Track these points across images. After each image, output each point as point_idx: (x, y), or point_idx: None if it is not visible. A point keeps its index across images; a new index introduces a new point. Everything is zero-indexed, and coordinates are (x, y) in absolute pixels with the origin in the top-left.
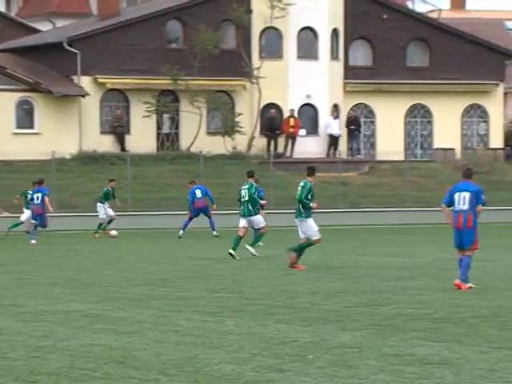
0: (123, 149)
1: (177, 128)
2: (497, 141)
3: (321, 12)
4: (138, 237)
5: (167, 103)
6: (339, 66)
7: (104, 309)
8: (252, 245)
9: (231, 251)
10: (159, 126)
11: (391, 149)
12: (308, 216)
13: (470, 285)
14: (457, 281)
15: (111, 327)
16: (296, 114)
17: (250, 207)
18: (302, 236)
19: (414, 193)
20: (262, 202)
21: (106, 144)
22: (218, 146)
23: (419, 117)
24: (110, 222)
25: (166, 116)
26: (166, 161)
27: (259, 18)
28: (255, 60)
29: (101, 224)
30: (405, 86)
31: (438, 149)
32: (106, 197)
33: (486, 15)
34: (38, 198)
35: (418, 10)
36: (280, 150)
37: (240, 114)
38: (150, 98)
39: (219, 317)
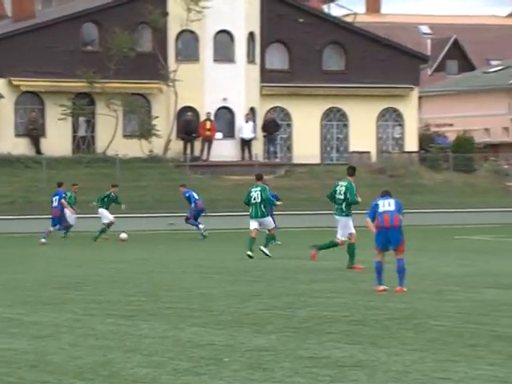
0: (38, 152)
1: (93, 131)
2: (412, 144)
3: (237, 15)
4: (55, 240)
5: (83, 106)
6: (255, 70)
7: (18, 313)
8: (265, 246)
9: (249, 253)
10: (75, 129)
11: (307, 152)
12: (349, 215)
13: (384, 287)
14: (398, 288)
15: (25, 331)
16: (212, 118)
17: (263, 209)
18: (339, 236)
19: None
20: (278, 202)
21: (20, 147)
22: (134, 149)
23: (335, 120)
24: (109, 226)
25: (81, 119)
26: (81, 164)
27: (175, 21)
28: (171, 63)
29: (104, 229)
30: (321, 89)
31: (353, 152)
32: (108, 201)
33: (401, 19)
34: (55, 200)
35: (333, 14)
36: (196, 153)
37: (156, 117)
38: (66, 100)
39: (134, 320)
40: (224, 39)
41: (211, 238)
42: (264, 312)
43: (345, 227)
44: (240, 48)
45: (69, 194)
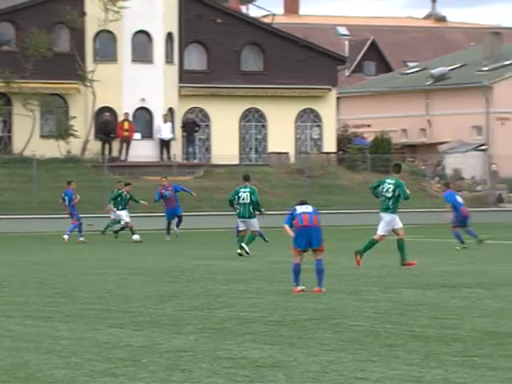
0: None
1: (9, 131)
2: (330, 145)
3: (155, 16)
4: None
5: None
6: (174, 70)
7: None
8: (247, 244)
9: (239, 251)
10: None
11: (226, 153)
12: (395, 212)
13: (301, 288)
14: (316, 288)
15: None
16: (131, 118)
17: (251, 210)
18: (379, 232)
19: None
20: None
21: None
22: (51, 149)
23: (254, 121)
24: (122, 228)
25: None
26: None
27: (93, 21)
28: (89, 63)
29: (122, 228)
30: (239, 90)
31: (272, 153)
32: (122, 201)
33: (319, 20)
34: (65, 199)
35: (252, 14)
36: (115, 153)
37: (74, 118)
38: None
39: (52, 321)
40: (142, 40)
41: (130, 238)
42: (182, 313)
43: (389, 224)
44: (158, 48)
45: (117, 193)
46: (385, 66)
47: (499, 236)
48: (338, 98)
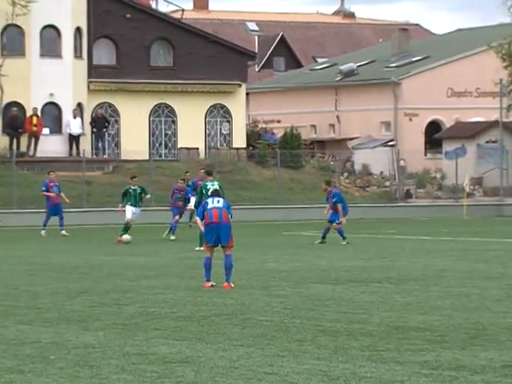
0: None
1: None
2: (240, 140)
3: (63, 10)
4: None
5: None
6: (83, 65)
7: None
8: None
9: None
10: None
11: (136, 148)
12: None
13: (211, 283)
14: (225, 284)
15: None
16: (39, 113)
17: None
18: None
19: (158, 192)
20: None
21: None
22: None
23: (163, 116)
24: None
25: None
26: None
27: (0, 16)
28: None
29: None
30: (149, 85)
31: (182, 148)
32: (131, 197)
33: (228, 16)
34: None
35: (161, 10)
36: (23, 148)
37: None
38: None
39: None
40: (50, 34)
41: (38, 234)
42: (91, 309)
43: None
44: (67, 43)
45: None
46: (294, 62)
47: (407, 231)
48: (247, 94)
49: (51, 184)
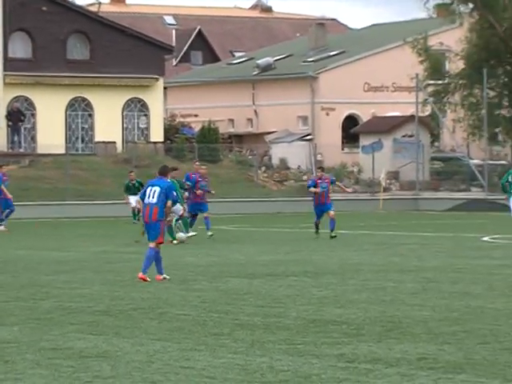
0: None
1: None
2: (157, 135)
3: None
4: None
5: None
6: None
7: None
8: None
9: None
10: None
11: (52, 142)
12: None
13: (164, 276)
14: (140, 274)
15: None
16: None
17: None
18: None
19: (75, 186)
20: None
21: None
22: None
23: (80, 110)
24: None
25: None
26: None
27: None
28: None
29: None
30: (65, 78)
31: (99, 142)
32: (133, 189)
33: (145, 10)
34: None
35: (78, 3)
36: None
37: None
38: None
39: None
40: None
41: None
42: (6, 304)
43: None
44: None
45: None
46: (212, 56)
47: (323, 225)
48: (165, 88)
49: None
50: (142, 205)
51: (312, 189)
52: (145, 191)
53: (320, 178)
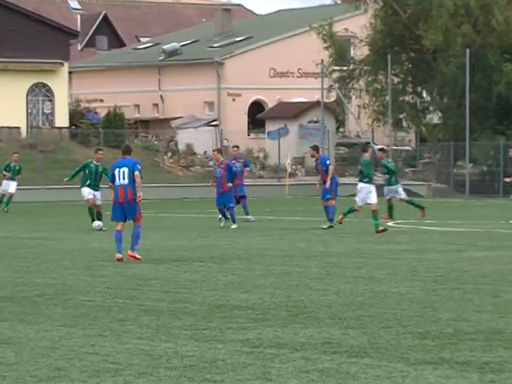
0: None
1: None
2: (62, 120)
3: None
4: None
5: None
6: None
7: None
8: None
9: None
10: None
11: None
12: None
13: (121, 256)
14: (129, 252)
15: None
16: None
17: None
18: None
19: None
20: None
21: None
22: None
23: None
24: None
25: None
26: None
27: None
28: None
29: None
30: None
31: (2, 127)
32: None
33: None
34: None
35: None
36: None
37: None
38: None
39: None
40: None
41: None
42: None
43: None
44: None
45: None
46: (117, 41)
47: None
48: (70, 73)
49: None
50: (114, 187)
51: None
52: (113, 173)
53: (235, 158)
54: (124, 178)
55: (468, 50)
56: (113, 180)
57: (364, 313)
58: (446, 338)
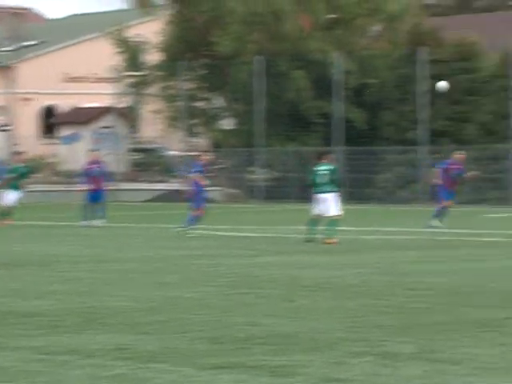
0: None
1: None
2: None
3: None
4: None
5: None
6: None
7: None
8: None
9: None
10: None
11: None
12: None
13: None
14: None
15: None
16: None
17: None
18: None
19: None
20: None
21: None
22: None
23: None
24: None
25: None
26: None
27: None
28: None
29: None
30: None
31: None
32: None
33: None
34: None
35: None
36: None
37: None
38: None
39: None
40: None
41: None
42: None
43: None
44: None
45: None
46: None
47: (24, 217)
48: None
49: None
50: None
51: None
52: None
53: (95, 163)
54: None
55: (259, 57)
56: None
57: (158, 318)
58: (240, 343)
